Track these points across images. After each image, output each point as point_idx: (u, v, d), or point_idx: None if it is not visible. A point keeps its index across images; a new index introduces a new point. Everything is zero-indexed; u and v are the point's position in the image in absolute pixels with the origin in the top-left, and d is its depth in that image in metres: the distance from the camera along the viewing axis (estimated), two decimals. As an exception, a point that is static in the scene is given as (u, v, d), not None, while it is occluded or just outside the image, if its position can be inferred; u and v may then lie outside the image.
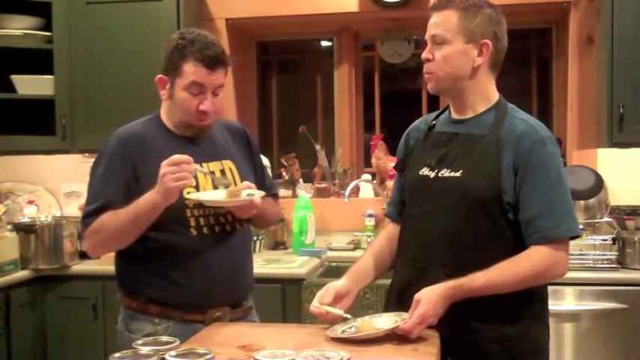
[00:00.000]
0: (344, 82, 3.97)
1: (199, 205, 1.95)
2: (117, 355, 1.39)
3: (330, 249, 3.52)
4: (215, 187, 2.00)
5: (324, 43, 4.21)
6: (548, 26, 3.85)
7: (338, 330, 1.71)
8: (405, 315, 1.69)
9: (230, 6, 3.70)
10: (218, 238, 2.00)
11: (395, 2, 3.52)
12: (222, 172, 2.06)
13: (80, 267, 3.21)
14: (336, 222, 3.63)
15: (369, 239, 3.48)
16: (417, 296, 1.68)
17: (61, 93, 3.40)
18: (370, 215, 3.52)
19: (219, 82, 1.97)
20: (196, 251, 1.96)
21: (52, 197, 3.80)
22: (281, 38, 4.12)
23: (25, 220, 3.34)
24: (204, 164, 2.01)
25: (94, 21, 3.38)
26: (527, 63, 3.99)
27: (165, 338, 1.52)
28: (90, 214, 1.95)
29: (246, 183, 2.01)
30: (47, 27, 3.41)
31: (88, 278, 3.15)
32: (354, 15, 3.66)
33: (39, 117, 3.39)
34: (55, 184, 3.81)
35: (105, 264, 3.20)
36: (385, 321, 1.71)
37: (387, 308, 1.97)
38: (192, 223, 1.96)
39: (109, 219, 1.92)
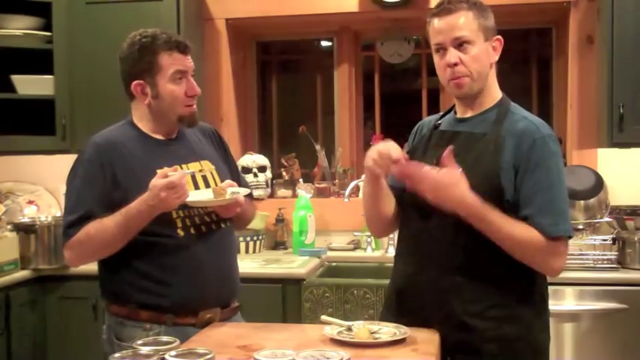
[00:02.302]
0: (344, 82, 3.97)
1: (184, 205, 1.93)
2: (117, 355, 1.39)
3: (330, 249, 3.52)
4: (197, 188, 2.00)
5: (324, 43, 4.21)
6: (548, 26, 3.85)
7: (335, 331, 1.71)
8: (404, 328, 1.69)
9: (230, 6, 3.70)
10: (205, 238, 1.99)
11: (395, 2, 3.52)
12: (202, 171, 2.05)
13: (80, 267, 3.20)
14: (336, 222, 3.62)
15: (369, 239, 3.48)
16: (455, 169, 1.68)
17: (61, 93, 3.40)
18: (370, 215, 3.51)
19: (192, 64, 2.01)
20: (185, 252, 1.95)
21: (52, 197, 3.79)
22: (281, 38, 4.12)
23: (25, 220, 3.33)
24: (183, 166, 2.01)
25: (94, 21, 3.38)
26: (527, 63, 3.99)
27: (165, 338, 1.52)
28: (72, 224, 1.92)
29: (228, 181, 2.02)
30: (47, 27, 3.41)
31: (88, 278, 3.13)
32: (354, 15, 3.66)
33: (39, 117, 3.39)
34: (55, 184, 3.80)
35: (105, 264, 3.20)
36: (384, 330, 1.71)
37: (387, 307, 1.97)
38: (179, 224, 1.95)
39: (96, 229, 1.89)
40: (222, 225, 2.05)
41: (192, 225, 1.97)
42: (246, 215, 2.18)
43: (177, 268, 1.94)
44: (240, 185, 2.14)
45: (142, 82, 1.98)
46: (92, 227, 1.89)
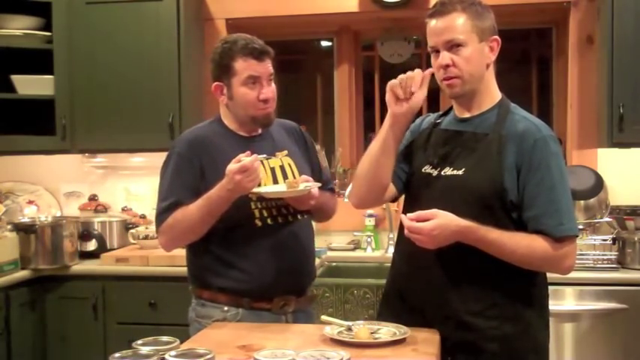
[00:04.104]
0: (344, 82, 3.97)
1: (262, 198, 2.07)
2: (117, 355, 1.39)
3: (330, 249, 3.52)
4: (275, 183, 2.12)
5: (324, 43, 4.21)
6: (548, 26, 3.85)
7: (335, 331, 1.71)
8: (404, 328, 1.69)
9: (230, 6, 3.70)
10: (281, 229, 2.11)
11: (395, 2, 3.52)
12: (282, 167, 2.17)
13: (80, 267, 3.21)
14: (336, 222, 3.57)
15: (369, 239, 3.48)
16: (434, 212, 1.69)
17: (61, 93, 3.40)
18: (370, 215, 3.52)
19: (269, 70, 2.13)
20: (261, 241, 2.08)
21: (52, 197, 3.80)
22: (281, 38, 4.12)
23: (25, 220, 3.33)
24: (265, 162, 2.13)
25: (94, 21, 3.38)
26: (527, 63, 3.99)
27: (165, 338, 1.52)
28: (164, 210, 2.08)
29: (304, 176, 2.11)
30: (47, 27, 3.41)
31: (88, 278, 3.15)
32: (354, 15, 3.66)
33: (39, 117, 3.39)
34: (55, 184, 3.81)
35: (105, 264, 3.21)
36: (384, 330, 1.71)
37: (386, 305, 1.97)
38: (257, 215, 2.09)
39: (182, 215, 2.04)
40: (299, 217, 2.16)
41: (270, 216, 2.10)
42: (325, 208, 2.29)
43: (254, 256, 2.07)
44: (322, 180, 2.23)
45: (220, 83, 2.14)
46: (179, 213, 2.05)
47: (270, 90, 2.11)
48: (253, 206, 2.08)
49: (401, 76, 1.79)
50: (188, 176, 2.08)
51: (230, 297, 2.07)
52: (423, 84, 1.79)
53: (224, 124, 2.19)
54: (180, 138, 2.20)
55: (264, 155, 2.09)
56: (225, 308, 2.07)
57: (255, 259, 2.07)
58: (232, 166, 1.94)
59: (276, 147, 2.20)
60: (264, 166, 2.11)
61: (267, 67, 2.12)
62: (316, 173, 2.26)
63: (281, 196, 2.07)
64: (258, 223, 2.08)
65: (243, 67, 2.08)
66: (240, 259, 2.07)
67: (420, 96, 1.79)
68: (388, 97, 1.81)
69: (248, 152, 1.98)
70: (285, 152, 2.20)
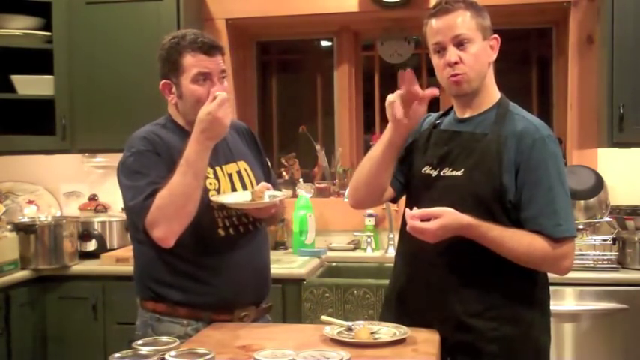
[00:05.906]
0: (344, 82, 3.97)
1: (223, 206, 1.97)
2: (117, 355, 1.39)
3: (330, 249, 3.52)
4: (234, 190, 2.04)
5: (324, 43, 4.21)
6: (548, 26, 3.85)
7: (335, 331, 1.71)
8: (404, 328, 1.69)
9: (230, 6, 3.70)
10: (243, 238, 2.03)
11: (395, 2, 3.52)
12: (239, 173, 2.08)
13: (80, 267, 3.21)
14: (336, 222, 3.62)
15: (369, 239, 3.48)
16: (439, 211, 1.69)
17: (61, 93, 3.40)
18: (370, 215, 3.52)
19: (221, 66, 1.99)
20: (224, 252, 1.99)
21: (52, 197, 3.80)
22: (281, 38, 4.12)
23: (25, 220, 3.33)
24: (223, 167, 2.05)
25: (94, 21, 3.38)
26: (527, 63, 3.99)
27: (165, 338, 1.52)
28: (144, 199, 1.87)
29: (263, 184, 2.04)
30: (47, 27, 3.41)
31: (88, 278, 3.15)
32: (354, 15, 3.66)
33: (39, 117, 3.39)
34: (55, 184, 3.81)
35: (105, 264, 3.21)
36: (384, 330, 1.71)
37: (387, 307, 1.97)
38: (220, 224, 1.99)
39: (169, 190, 1.85)
40: (258, 225, 2.09)
41: (231, 225, 2.01)
42: (276, 215, 2.20)
43: (217, 268, 1.97)
44: (269, 182, 2.16)
45: (168, 81, 2.00)
46: (164, 192, 1.85)
47: (221, 88, 1.95)
48: (216, 215, 1.98)
49: (392, 98, 1.77)
50: (160, 167, 1.91)
51: (190, 310, 1.95)
52: (423, 100, 1.77)
53: (178, 125, 2.04)
54: (135, 139, 1.99)
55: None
56: (185, 322, 1.95)
57: (218, 271, 1.96)
58: (210, 107, 1.84)
59: (231, 151, 2.08)
60: (222, 172, 2.03)
61: (218, 62, 1.98)
62: (265, 175, 2.19)
63: (247, 207, 1.99)
64: (222, 232, 1.98)
65: (191, 63, 1.94)
66: (201, 271, 1.96)
67: (422, 111, 1.78)
68: (388, 111, 1.79)
69: (213, 91, 1.89)
70: (248, 168, 2.12)
